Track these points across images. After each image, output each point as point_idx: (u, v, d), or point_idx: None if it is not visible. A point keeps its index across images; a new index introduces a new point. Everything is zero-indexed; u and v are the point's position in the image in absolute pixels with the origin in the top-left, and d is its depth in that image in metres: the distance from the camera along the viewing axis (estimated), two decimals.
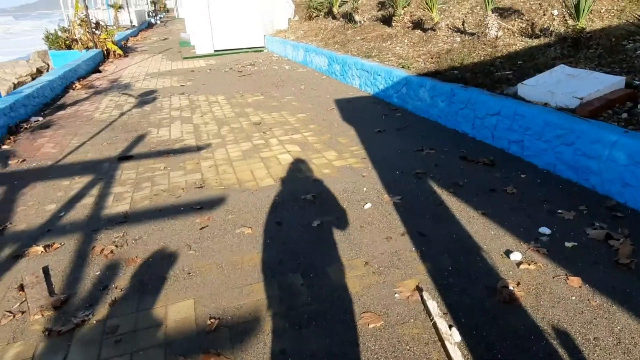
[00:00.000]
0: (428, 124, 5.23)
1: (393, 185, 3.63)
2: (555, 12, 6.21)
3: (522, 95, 4.47)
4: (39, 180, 4.24)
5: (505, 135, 4.30)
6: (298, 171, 4.07)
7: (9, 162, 4.82)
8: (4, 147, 5.39)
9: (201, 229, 3.10)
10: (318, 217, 3.16)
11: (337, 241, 2.83)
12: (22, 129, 6.18)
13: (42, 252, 2.91)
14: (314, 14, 12.89)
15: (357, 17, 9.95)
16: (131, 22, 27.13)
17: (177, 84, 9.07)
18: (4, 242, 3.10)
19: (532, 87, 4.39)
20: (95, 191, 3.89)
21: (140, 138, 5.42)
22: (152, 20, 35.56)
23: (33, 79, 12.81)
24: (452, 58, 5.94)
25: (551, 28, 5.91)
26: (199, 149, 4.92)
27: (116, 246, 2.92)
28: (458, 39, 6.55)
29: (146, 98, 7.81)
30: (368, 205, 3.27)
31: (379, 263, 2.59)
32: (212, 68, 10.89)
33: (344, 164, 4.19)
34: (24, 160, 4.86)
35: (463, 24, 6.87)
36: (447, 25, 7.15)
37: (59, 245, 2.98)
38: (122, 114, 6.71)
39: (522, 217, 3.05)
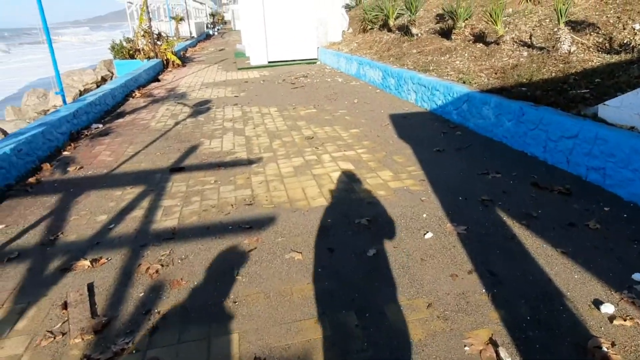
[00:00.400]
0: (492, 145, 4.85)
1: (456, 212, 3.31)
2: (637, 26, 5.64)
3: (604, 117, 4.02)
4: (94, 188, 4.27)
5: (583, 161, 3.86)
6: (351, 191, 3.83)
7: (68, 168, 4.93)
8: (65, 153, 5.55)
9: (249, 251, 2.93)
10: (373, 245, 2.90)
11: (395, 276, 2.56)
12: (82, 136, 6.38)
13: (88, 266, 2.85)
14: (369, 27, 12.71)
15: (414, 30, 9.65)
16: (190, 33, 28.22)
17: (231, 94, 9.15)
18: (54, 253, 3.08)
19: (616, 109, 3.92)
20: (145, 203, 3.85)
21: (192, 149, 5.41)
22: (210, 32, 36.90)
23: (98, 86, 13.46)
24: (519, 74, 5.52)
25: (632, 43, 5.36)
26: (250, 162, 4.81)
27: (162, 265, 2.81)
28: (525, 54, 6.11)
29: (200, 108, 7.90)
30: (429, 235, 2.98)
31: (444, 306, 2.30)
32: (266, 79, 10.94)
33: (400, 185, 3.91)
34: (81, 167, 4.96)
35: (530, 38, 6.41)
36: (513, 38, 6.71)
37: (106, 261, 2.91)
38: (176, 124, 6.79)
39: (610, 260, 2.65)
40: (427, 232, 3.02)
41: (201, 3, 38.95)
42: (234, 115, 7.20)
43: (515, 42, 6.59)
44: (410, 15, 9.77)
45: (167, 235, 3.24)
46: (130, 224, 3.47)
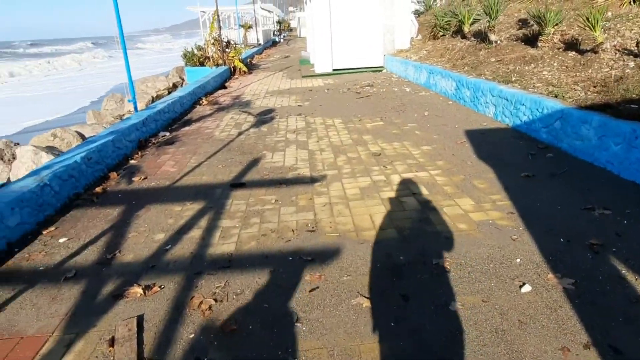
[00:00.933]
0: (594, 171, 4.17)
1: (558, 259, 2.76)
2: None
3: None
4: (155, 202, 4.17)
5: None
6: (426, 222, 3.39)
7: (133, 178, 4.91)
8: (132, 161, 5.58)
9: (311, 290, 2.60)
10: (457, 296, 2.45)
11: (488, 341, 2.11)
12: (150, 144, 6.43)
13: (141, 294, 2.66)
14: (440, 33, 12.07)
15: (492, 37, 8.94)
16: (257, 40, 28.84)
17: (295, 103, 8.98)
18: (109, 274, 2.93)
19: None
20: (203, 222, 3.66)
21: (254, 162, 5.21)
22: (276, 39, 37.62)
23: (169, 92, 13.95)
24: (626, 88, 4.76)
25: None
26: (312, 180, 4.51)
27: (215, 300, 2.55)
28: (631, 64, 5.31)
29: (264, 117, 7.77)
30: (527, 288, 2.47)
31: None
32: (330, 88, 10.69)
33: (484, 218, 3.41)
34: (145, 177, 4.92)
35: (637, 46, 5.58)
36: (615, 46, 5.89)
37: (158, 289, 2.71)
38: (240, 134, 6.68)
39: None
40: (524, 283, 2.51)
41: (269, 11, 39.85)
42: (298, 126, 6.97)
43: (618, 50, 5.77)
44: (489, 21, 9.07)
45: (223, 262, 3.00)
46: (186, 245, 3.27)
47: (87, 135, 9.28)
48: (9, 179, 6.63)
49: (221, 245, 3.24)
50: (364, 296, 2.50)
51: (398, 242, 3.10)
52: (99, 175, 4.98)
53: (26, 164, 6.18)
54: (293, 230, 3.40)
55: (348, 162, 5.02)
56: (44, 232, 3.65)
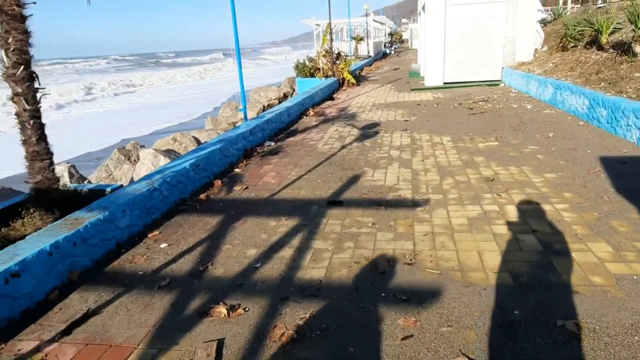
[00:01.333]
0: None
1: None
2: None
3: None
4: (252, 214, 4.17)
5: None
6: (549, 269, 2.85)
7: (235, 187, 5.02)
8: (237, 170, 5.75)
9: (403, 339, 2.27)
10: None
11: None
12: (255, 153, 6.60)
13: (225, 315, 2.58)
14: (571, 44, 10.77)
15: (638, 48, 7.66)
16: (368, 52, 28.90)
17: (401, 117, 8.63)
18: (199, 288, 2.92)
19: None
20: (296, 241, 3.53)
21: (354, 179, 5.00)
22: (387, 51, 37.42)
23: (279, 102, 14.48)
24: None
25: None
26: (414, 204, 4.15)
27: (297, 334, 2.36)
28: None
29: (368, 131, 7.55)
30: None
31: None
32: (440, 102, 10.12)
33: (626, 271, 2.76)
34: (246, 187, 5.00)
35: None
36: None
37: (242, 312, 2.61)
38: (342, 147, 6.54)
39: None
40: None
41: (381, 23, 39.83)
42: (402, 142, 6.62)
43: None
44: (634, 30, 7.80)
45: (311, 289, 2.81)
46: (276, 265, 3.16)
47: (202, 140, 9.95)
48: (132, 177, 7.30)
49: (311, 270, 3.06)
50: (467, 357, 2.11)
51: (513, 292, 2.62)
52: (205, 182, 5.18)
53: (146, 166, 6.74)
54: (389, 261, 3.09)
55: (455, 186, 4.56)
56: (149, 235, 3.83)
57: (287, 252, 3.35)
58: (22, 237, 3.35)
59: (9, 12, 3.24)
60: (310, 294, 2.76)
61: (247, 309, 2.64)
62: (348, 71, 14.73)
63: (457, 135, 6.77)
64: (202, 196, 4.76)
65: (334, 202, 4.34)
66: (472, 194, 4.30)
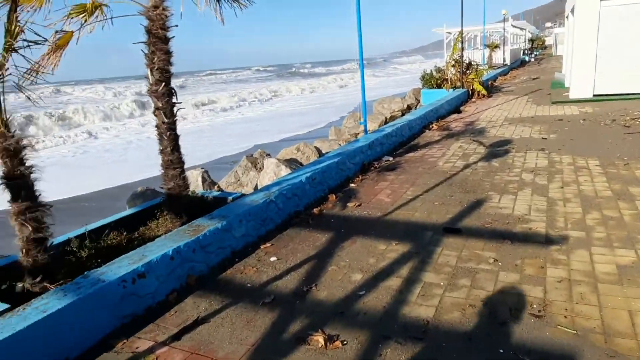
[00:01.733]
0: None
1: None
2: None
3: None
4: (362, 235, 4.03)
5: None
6: None
7: (348, 204, 4.94)
8: (352, 185, 5.68)
9: None
10: None
11: None
12: (372, 168, 6.47)
13: (322, 345, 2.47)
14: None
15: None
16: (504, 60, 26.86)
17: (538, 135, 7.71)
18: (301, 310, 2.87)
19: None
20: (405, 271, 3.28)
21: (476, 204, 4.55)
22: (526, 58, 34.40)
23: (402, 114, 14.17)
24: None
25: None
26: (548, 241, 3.58)
27: None
28: None
29: (497, 150, 6.89)
30: None
31: None
32: (587, 118, 8.83)
33: None
34: (360, 204, 4.88)
35: None
36: None
37: (340, 345, 2.47)
38: (466, 167, 6.06)
39: None
40: None
41: (521, 29, 36.71)
42: (537, 164, 5.87)
43: None
44: None
45: (416, 330, 2.55)
46: (381, 296, 2.96)
47: (323, 151, 10.16)
48: (257, 185, 7.73)
49: (418, 307, 2.80)
50: None
51: None
52: (320, 196, 5.20)
53: (269, 175, 7.07)
54: (511, 309, 2.68)
55: (603, 223, 3.83)
56: (262, 247, 3.94)
57: (394, 282, 3.12)
58: (155, 237, 3.70)
59: (156, 34, 3.60)
60: (414, 335, 2.51)
61: (345, 342, 2.50)
62: (479, 82, 13.79)
63: (607, 159, 5.78)
64: (316, 210, 4.77)
65: (451, 229, 3.98)
66: (624, 235, 3.56)
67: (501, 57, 27.02)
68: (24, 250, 3.14)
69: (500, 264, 3.26)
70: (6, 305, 2.82)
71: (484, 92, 13.65)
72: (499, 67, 23.38)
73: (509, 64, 26.58)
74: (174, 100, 3.90)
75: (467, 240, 3.73)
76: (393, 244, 3.78)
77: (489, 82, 16.52)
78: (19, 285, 3.16)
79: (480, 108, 11.61)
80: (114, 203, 8.60)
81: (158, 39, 3.64)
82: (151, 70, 3.70)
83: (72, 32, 3.78)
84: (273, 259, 3.68)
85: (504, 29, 27.42)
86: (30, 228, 3.10)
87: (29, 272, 3.14)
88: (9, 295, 3.09)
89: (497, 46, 26.64)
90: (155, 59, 3.66)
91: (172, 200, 4.16)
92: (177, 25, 3.72)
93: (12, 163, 3.04)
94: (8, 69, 3.04)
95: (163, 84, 3.73)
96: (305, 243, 3.96)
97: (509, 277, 3.06)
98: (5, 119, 3.03)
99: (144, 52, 3.75)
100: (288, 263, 3.59)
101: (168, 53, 3.71)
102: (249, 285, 3.28)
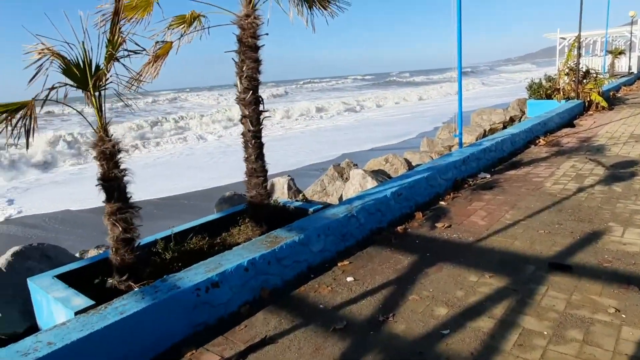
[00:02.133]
0: None
1: None
2: None
3: None
4: (449, 261, 3.63)
5: None
6: None
7: (436, 224, 4.54)
8: (442, 202, 5.24)
9: None
10: None
11: None
12: (466, 185, 5.95)
13: None
14: None
15: None
16: (630, 68, 23.79)
17: None
18: (374, 344, 2.59)
19: None
20: (499, 310, 2.84)
21: (592, 237, 3.88)
22: None
23: (504, 127, 13.10)
24: None
25: None
26: None
27: None
28: None
29: (620, 172, 5.93)
30: None
31: None
32: None
33: None
34: (449, 225, 4.46)
35: None
36: None
37: None
38: (579, 190, 5.28)
39: None
40: None
41: None
42: None
43: None
44: None
45: None
46: (468, 339, 2.57)
47: (413, 163, 9.71)
48: (342, 195, 7.56)
49: (514, 359, 2.36)
50: None
51: None
52: (405, 212, 4.86)
53: (354, 186, 6.85)
54: None
55: None
56: (339, 264, 3.73)
57: (485, 324, 2.71)
58: (235, 244, 3.69)
59: (246, 43, 3.60)
60: None
61: None
62: (598, 92, 12.23)
63: None
64: (400, 228, 4.45)
65: (559, 265, 3.40)
66: None
67: (625, 64, 23.94)
68: (113, 249, 3.28)
69: (623, 316, 2.67)
70: (92, 302, 2.95)
71: (603, 104, 12.08)
72: (623, 76, 20.69)
73: (635, 72, 23.44)
74: (260, 108, 3.88)
75: (579, 280, 3.15)
76: (486, 276, 3.32)
77: (610, 93, 14.62)
78: (109, 281, 3.31)
79: (599, 122, 10.26)
80: (207, 204, 9.04)
81: (248, 48, 3.64)
82: (240, 78, 3.71)
83: (172, 42, 3.95)
84: (350, 279, 3.45)
85: (630, 32, 24.26)
86: (120, 228, 3.23)
87: (117, 270, 3.28)
88: (100, 289, 3.26)
89: (621, 52, 23.66)
90: (245, 67, 3.66)
91: (254, 209, 4.14)
92: (267, 34, 3.68)
93: (108, 165, 3.19)
94: (109, 77, 3.21)
95: (251, 92, 3.72)
96: (386, 265, 3.66)
97: (636, 334, 2.48)
98: (104, 124, 3.19)
99: (234, 60, 3.77)
100: (365, 286, 3.33)
101: (257, 61, 3.69)
102: (321, 306, 3.08)
